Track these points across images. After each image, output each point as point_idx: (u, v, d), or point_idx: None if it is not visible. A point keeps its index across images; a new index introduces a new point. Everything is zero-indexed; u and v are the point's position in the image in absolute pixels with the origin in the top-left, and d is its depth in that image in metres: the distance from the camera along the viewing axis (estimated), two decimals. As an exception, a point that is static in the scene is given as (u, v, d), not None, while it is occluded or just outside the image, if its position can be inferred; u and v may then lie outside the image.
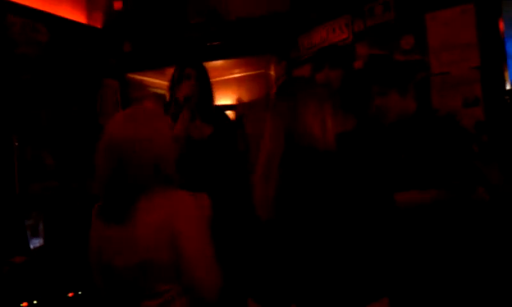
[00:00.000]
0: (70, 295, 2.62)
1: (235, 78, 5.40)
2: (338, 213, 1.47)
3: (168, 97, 2.82)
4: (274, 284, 1.56)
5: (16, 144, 3.08)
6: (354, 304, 1.45)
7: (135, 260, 1.47)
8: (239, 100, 5.11)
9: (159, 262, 1.47)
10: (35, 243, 2.93)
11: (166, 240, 1.46)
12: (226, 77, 5.35)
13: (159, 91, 4.76)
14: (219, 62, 4.70)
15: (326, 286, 1.47)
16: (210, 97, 2.78)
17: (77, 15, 3.98)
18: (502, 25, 2.85)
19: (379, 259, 1.51)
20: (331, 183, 1.49)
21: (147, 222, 1.47)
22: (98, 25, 4.13)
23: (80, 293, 2.65)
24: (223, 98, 5.16)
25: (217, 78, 5.21)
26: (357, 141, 2.21)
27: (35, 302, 2.47)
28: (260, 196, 1.57)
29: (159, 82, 4.86)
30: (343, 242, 1.47)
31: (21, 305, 2.43)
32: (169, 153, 1.56)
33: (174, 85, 2.74)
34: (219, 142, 2.67)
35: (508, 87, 2.85)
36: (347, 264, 1.47)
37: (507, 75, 2.87)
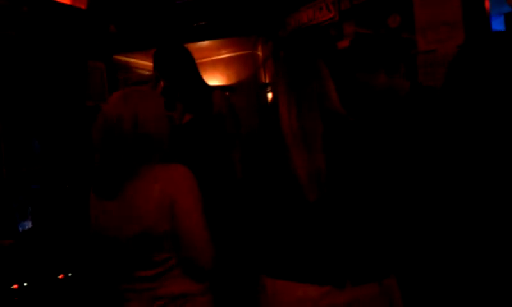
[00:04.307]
0: (61, 276, 2.63)
1: (222, 59, 5.39)
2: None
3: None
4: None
5: (2, 127, 3.06)
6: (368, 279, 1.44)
7: (135, 231, 1.51)
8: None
9: (158, 232, 1.50)
10: (24, 226, 2.92)
11: (165, 211, 1.50)
12: (213, 58, 5.34)
13: (146, 72, 4.73)
14: (206, 43, 4.68)
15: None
16: (191, 81, 2.71)
17: (61, -4, 3.92)
18: (487, 3, 2.86)
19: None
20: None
21: (146, 194, 1.51)
22: (83, 6, 4.06)
23: (70, 274, 2.66)
24: (211, 79, 5.14)
25: (205, 59, 5.20)
26: None
27: (25, 284, 2.48)
28: (307, 171, 1.38)
29: (145, 64, 4.82)
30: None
31: (11, 287, 2.44)
32: (159, 130, 1.59)
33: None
34: (199, 128, 2.61)
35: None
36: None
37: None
